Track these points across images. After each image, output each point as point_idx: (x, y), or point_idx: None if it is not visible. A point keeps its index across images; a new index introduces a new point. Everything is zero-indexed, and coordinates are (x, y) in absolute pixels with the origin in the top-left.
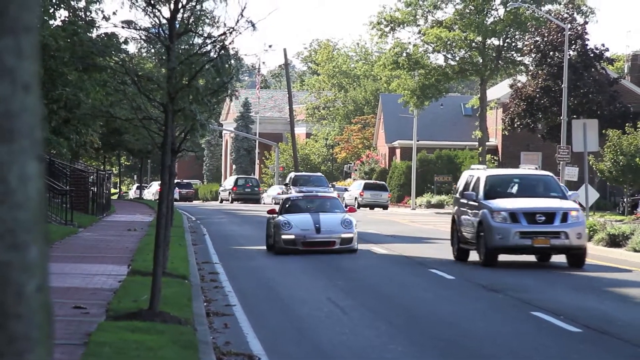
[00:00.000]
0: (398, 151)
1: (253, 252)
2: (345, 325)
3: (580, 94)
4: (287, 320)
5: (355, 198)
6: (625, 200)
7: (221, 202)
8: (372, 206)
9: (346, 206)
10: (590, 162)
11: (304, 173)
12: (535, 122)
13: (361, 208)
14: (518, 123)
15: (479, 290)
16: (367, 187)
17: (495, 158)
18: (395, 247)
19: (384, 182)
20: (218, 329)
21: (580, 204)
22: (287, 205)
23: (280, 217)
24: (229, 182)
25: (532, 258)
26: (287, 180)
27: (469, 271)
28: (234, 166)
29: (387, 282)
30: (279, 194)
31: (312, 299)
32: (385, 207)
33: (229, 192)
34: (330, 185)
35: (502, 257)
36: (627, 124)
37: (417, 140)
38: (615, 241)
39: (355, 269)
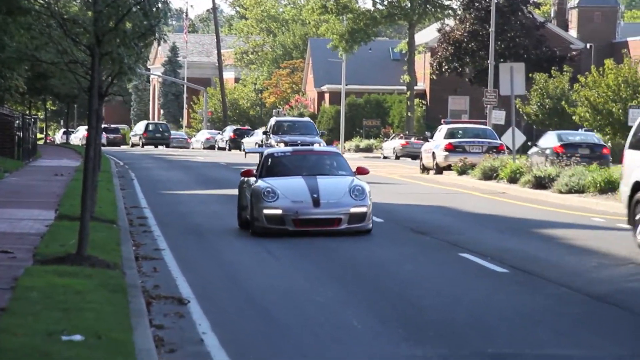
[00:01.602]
0: (327, 96)
1: (182, 196)
2: (275, 269)
3: (508, 37)
4: (216, 265)
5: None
6: None
7: (132, 146)
8: None
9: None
10: (517, 106)
11: (288, 118)
12: (463, 66)
13: None
14: (446, 67)
15: (407, 232)
16: None
17: (423, 102)
18: None
19: None
20: (147, 273)
21: (506, 147)
22: (269, 164)
23: (260, 182)
24: (139, 127)
25: (456, 200)
26: (267, 128)
27: (397, 214)
28: (162, 111)
29: None
30: (208, 138)
31: (241, 243)
32: None
33: (140, 137)
34: (320, 134)
35: (421, 200)
36: (553, 68)
37: (346, 85)
38: (541, 183)
39: None
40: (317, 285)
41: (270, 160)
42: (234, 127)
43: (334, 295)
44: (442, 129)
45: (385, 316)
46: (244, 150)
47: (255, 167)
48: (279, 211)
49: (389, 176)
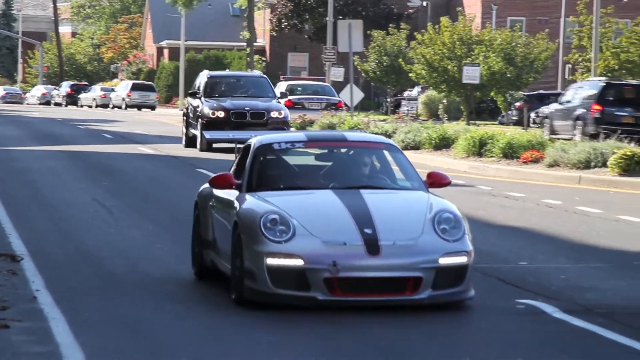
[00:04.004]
0: (166, 51)
1: (16, 152)
2: (111, 225)
3: None
4: (51, 222)
5: (123, 99)
6: (388, 100)
7: None
8: (139, 107)
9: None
10: (355, 63)
11: (229, 72)
12: (303, 23)
13: (129, 109)
14: (285, 24)
15: None
16: (134, 88)
17: (263, 59)
18: (163, 147)
19: (151, 83)
20: None
21: (345, 104)
22: (265, 166)
23: (253, 201)
24: None
25: None
26: (196, 87)
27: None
28: None
29: (154, 183)
30: (44, 94)
31: (77, 200)
32: (153, 108)
33: None
34: (278, 96)
35: None
36: (390, 25)
37: (185, 41)
38: None
39: (122, 169)
40: (154, 241)
41: (266, 158)
42: (71, 83)
43: (171, 251)
44: (281, 86)
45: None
46: (201, 137)
47: (231, 167)
48: (299, 262)
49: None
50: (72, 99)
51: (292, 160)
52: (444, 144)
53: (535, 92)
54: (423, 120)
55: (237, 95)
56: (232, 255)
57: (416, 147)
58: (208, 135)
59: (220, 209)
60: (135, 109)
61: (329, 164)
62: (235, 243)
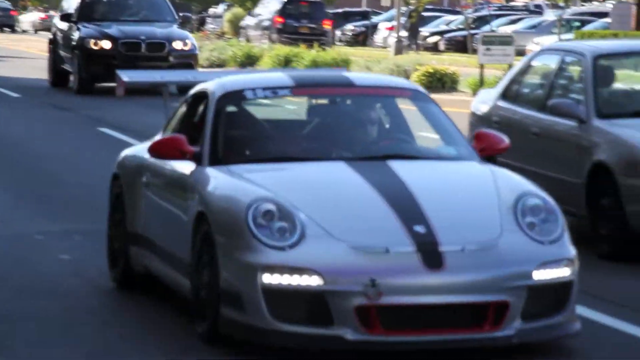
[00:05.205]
0: None
1: None
2: None
3: None
4: None
5: None
6: (193, 17)
7: None
8: None
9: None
10: None
11: None
12: None
13: None
14: None
15: (47, 108)
16: None
17: None
18: None
19: None
20: None
21: None
22: (229, 126)
23: (229, 179)
24: None
25: None
26: (67, 7)
27: (37, 90)
28: None
29: None
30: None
31: None
32: None
33: None
34: (178, 20)
35: None
36: None
37: None
38: None
39: None
40: None
41: (235, 113)
42: None
43: None
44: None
45: (22, 193)
46: (119, 81)
47: (166, 126)
48: (314, 280)
49: (28, 50)
50: None
51: (272, 115)
52: (249, 61)
53: (341, 10)
54: (228, 38)
55: (124, 18)
56: (194, 265)
57: (221, 64)
58: (126, 77)
59: (164, 190)
60: None
61: (330, 121)
62: (199, 246)
